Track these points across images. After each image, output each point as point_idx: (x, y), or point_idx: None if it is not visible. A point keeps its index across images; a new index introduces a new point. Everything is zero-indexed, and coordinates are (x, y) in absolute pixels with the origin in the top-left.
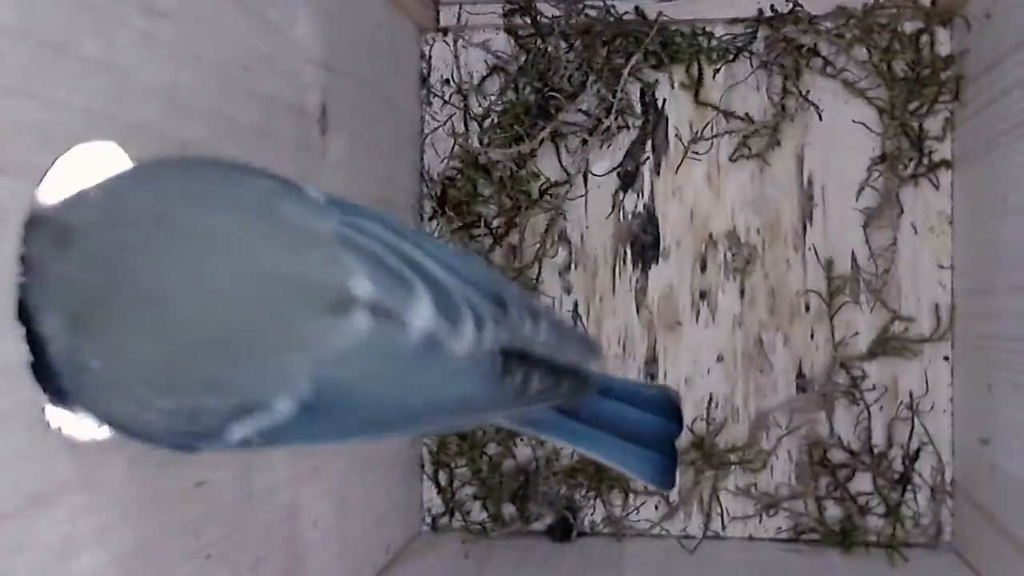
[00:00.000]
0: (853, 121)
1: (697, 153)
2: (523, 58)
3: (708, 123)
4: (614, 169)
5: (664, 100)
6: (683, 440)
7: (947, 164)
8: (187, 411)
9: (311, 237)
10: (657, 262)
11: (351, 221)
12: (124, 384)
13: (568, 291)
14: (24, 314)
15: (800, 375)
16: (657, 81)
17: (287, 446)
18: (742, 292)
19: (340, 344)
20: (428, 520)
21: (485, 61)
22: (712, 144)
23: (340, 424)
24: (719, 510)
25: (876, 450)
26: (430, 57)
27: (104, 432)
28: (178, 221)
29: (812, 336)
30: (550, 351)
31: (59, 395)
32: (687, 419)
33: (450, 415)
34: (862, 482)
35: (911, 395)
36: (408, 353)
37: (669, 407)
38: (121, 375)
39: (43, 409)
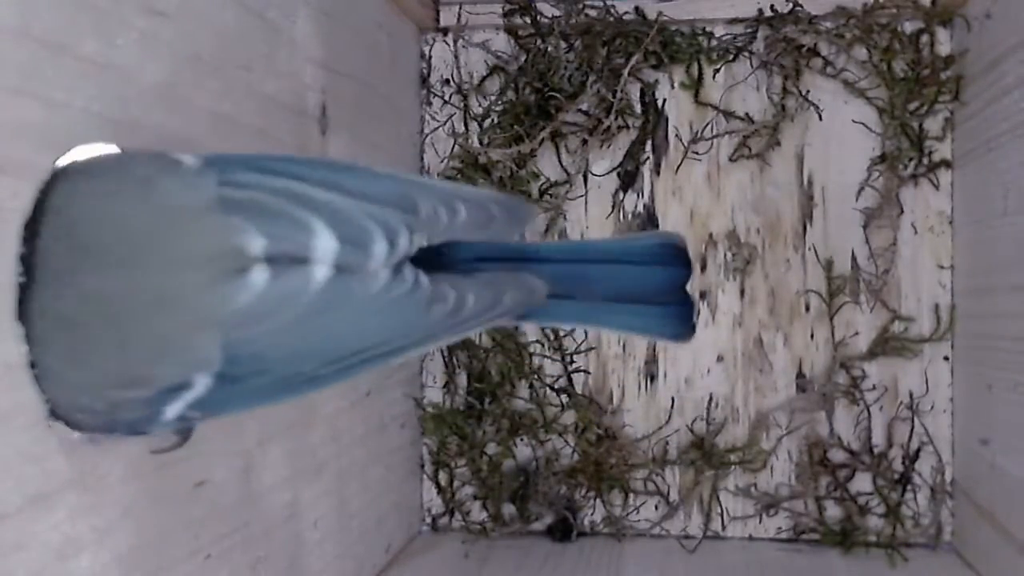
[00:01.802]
0: (853, 121)
1: (697, 153)
2: (523, 58)
3: (708, 123)
4: (614, 169)
5: (664, 100)
6: (683, 440)
7: (947, 164)
8: (110, 406)
9: (192, 210)
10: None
11: (230, 179)
12: (57, 389)
13: None
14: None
15: (800, 375)
16: (657, 81)
17: (227, 414)
18: (742, 292)
19: (239, 305)
20: (428, 520)
21: (485, 61)
22: (712, 144)
23: (268, 383)
24: (719, 510)
25: (876, 450)
26: (430, 57)
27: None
28: (77, 237)
29: (812, 336)
30: (476, 233)
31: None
32: (687, 419)
33: (380, 354)
34: (862, 482)
35: (911, 395)
36: (317, 297)
37: (671, 253)
38: (49, 383)
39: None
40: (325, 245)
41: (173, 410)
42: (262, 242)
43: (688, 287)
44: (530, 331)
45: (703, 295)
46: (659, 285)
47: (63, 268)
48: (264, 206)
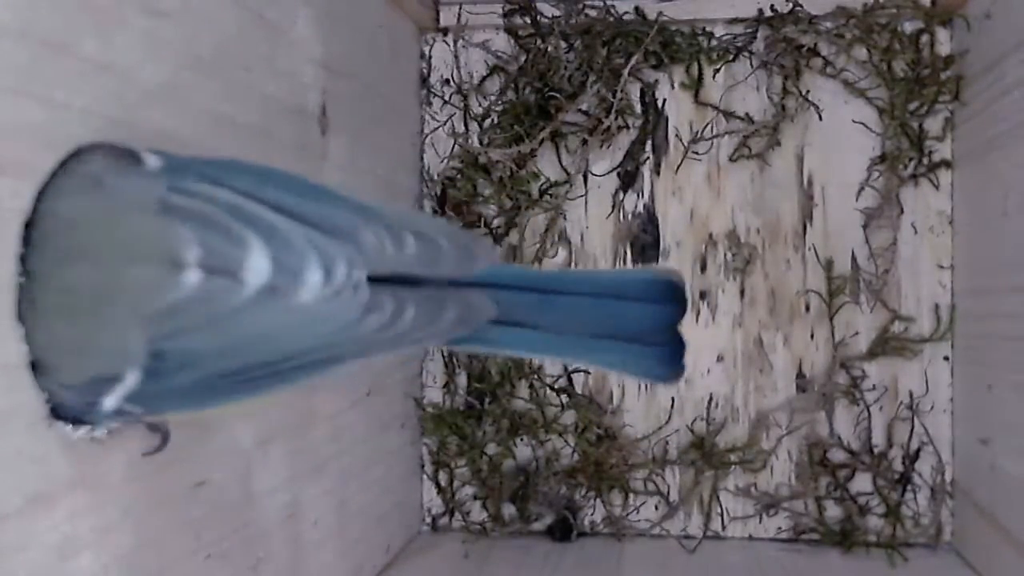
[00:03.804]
0: (853, 121)
1: (697, 153)
2: (523, 58)
3: (708, 123)
4: (614, 169)
5: (664, 100)
6: (683, 440)
7: (947, 164)
8: (51, 391)
9: (136, 211)
10: (657, 262)
11: (179, 186)
12: (45, 381)
13: None
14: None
15: (800, 375)
16: (657, 81)
17: (165, 411)
18: (742, 292)
19: (167, 303)
20: (428, 520)
21: (485, 61)
22: (712, 144)
23: (196, 384)
24: (719, 510)
25: (876, 450)
26: (430, 57)
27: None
28: (50, 235)
29: (812, 336)
30: (423, 268)
31: None
32: (687, 419)
33: (315, 360)
34: (862, 482)
35: (911, 395)
36: (245, 305)
37: (667, 290)
38: (41, 376)
39: (47, 408)
40: (257, 265)
41: (110, 402)
42: (197, 251)
43: (680, 327)
44: None
45: (703, 295)
46: (649, 323)
47: (42, 263)
48: (205, 217)
